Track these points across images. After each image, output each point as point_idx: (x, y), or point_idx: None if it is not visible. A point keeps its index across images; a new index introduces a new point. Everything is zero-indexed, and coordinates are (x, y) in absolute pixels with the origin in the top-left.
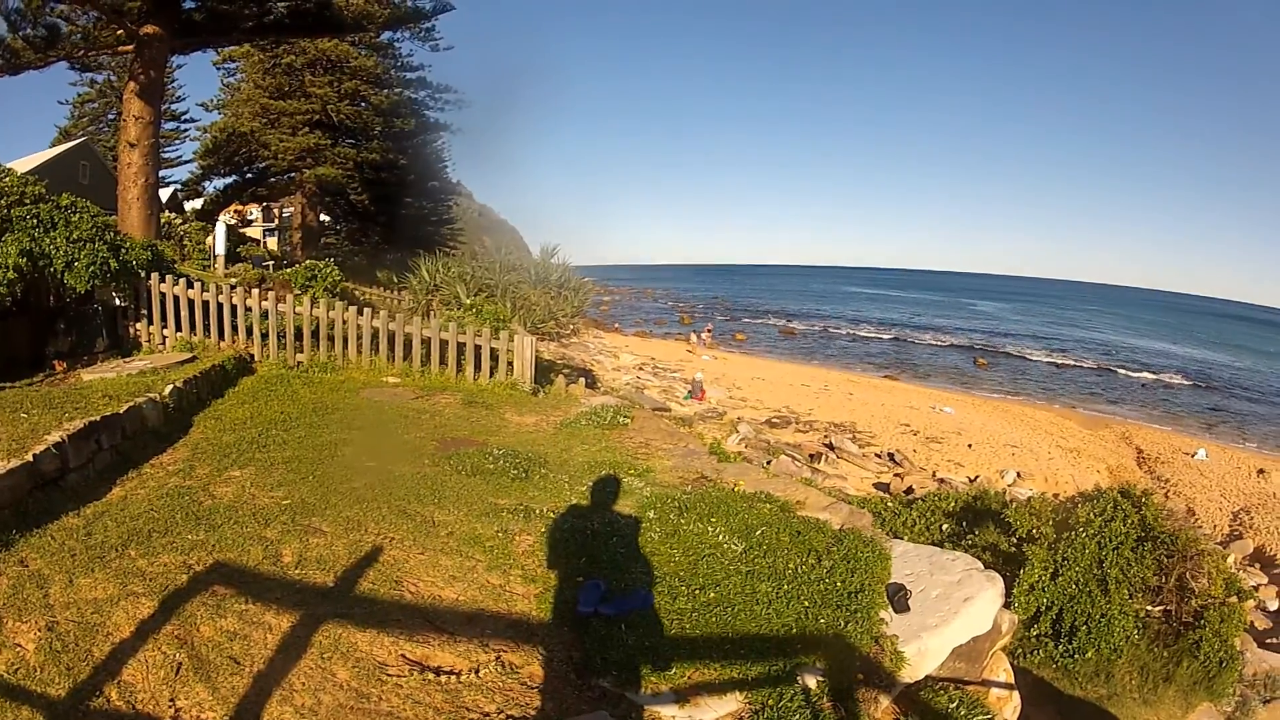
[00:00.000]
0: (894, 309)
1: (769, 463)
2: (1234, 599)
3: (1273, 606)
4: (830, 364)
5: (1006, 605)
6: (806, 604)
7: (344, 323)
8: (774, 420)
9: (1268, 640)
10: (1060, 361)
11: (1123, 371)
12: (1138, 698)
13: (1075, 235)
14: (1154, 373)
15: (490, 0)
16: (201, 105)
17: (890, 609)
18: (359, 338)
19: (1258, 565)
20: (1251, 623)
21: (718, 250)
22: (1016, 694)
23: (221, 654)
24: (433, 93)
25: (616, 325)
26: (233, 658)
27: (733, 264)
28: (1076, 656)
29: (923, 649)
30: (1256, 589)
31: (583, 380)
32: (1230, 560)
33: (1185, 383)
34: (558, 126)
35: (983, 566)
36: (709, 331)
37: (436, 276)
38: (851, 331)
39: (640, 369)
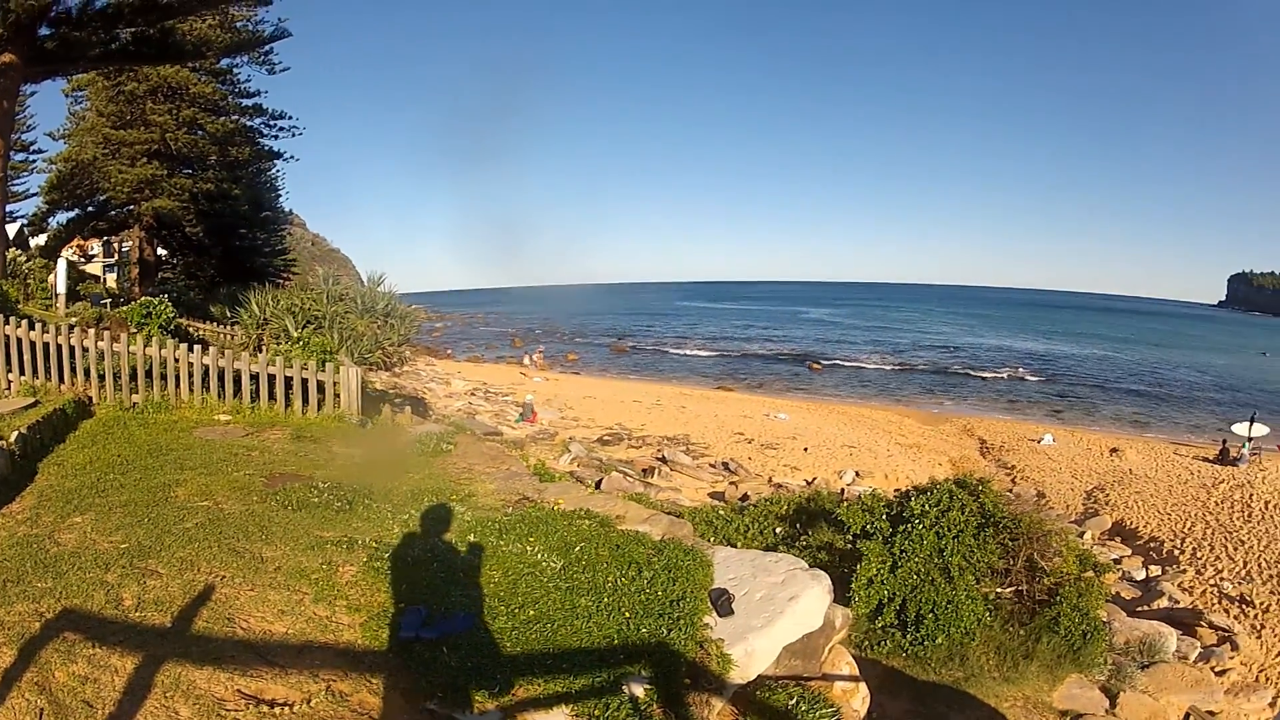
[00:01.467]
0: (727, 320)
1: (600, 481)
2: (1090, 573)
3: (1139, 576)
4: (663, 378)
5: (844, 601)
6: (628, 615)
7: (176, 361)
8: (606, 438)
9: (1138, 608)
10: (897, 361)
11: (962, 367)
12: (998, 676)
13: (905, 239)
14: (994, 366)
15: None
16: (49, 135)
17: (715, 614)
18: (190, 376)
19: (1118, 538)
20: (1118, 593)
21: (549, 272)
22: (864, 685)
23: (76, 698)
24: (268, 120)
25: (449, 351)
26: (86, 701)
27: (565, 284)
28: (927, 644)
29: (750, 650)
30: (1119, 561)
31: (409, 409)
32: (1088, 537)
33: (1027, 373)
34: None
35: (807, 566)
36: (540, 353)
37: (266, 310)
38: (684, 345)
39: (472, 394)
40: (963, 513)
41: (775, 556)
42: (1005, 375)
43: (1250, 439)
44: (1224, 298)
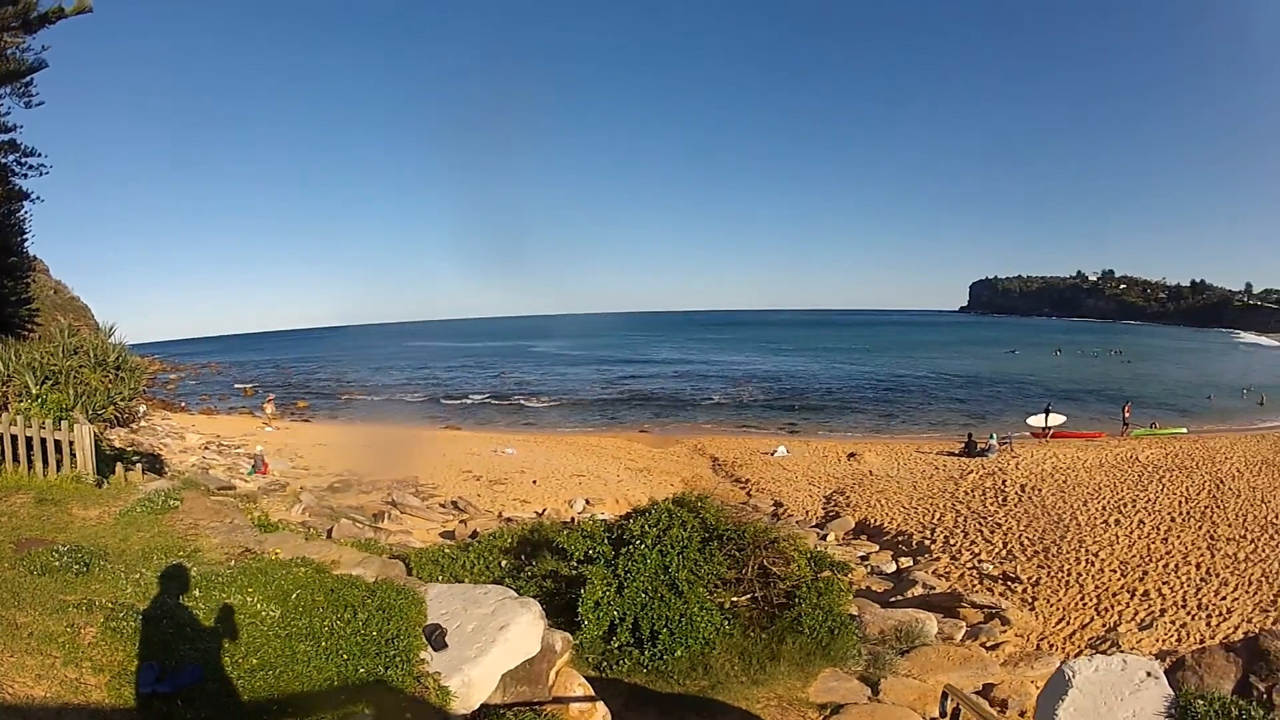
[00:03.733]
0: (455, 358)
1: (331, 529)
2: (828, 573)
3: (890, 569)
4: (392, 421)
5: (570, 625)
6: (346, 657)
7: None
8: (337, 485)
9: (892, 599)
10: (627, 388)
11: (692, 389)
12: (746, 680)
13: (631, 268)
14: (725, 386)
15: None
16: None
17: (430, 649)
18: None
19: (864, 536)
20: (868, 588)
21: (277, 316)
22: (602, 704)
23: None
24: (20, 156)
25: (184, 404)
26: None
27: (294, 329)
28: (666, 658)
29: (467, 680)
30: (866, 558)
31: (140, 466)
32: (831, 538)
33: (759, 390)
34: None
35: (516, 595)
36: (271, 402)
37: (10, 365)
38: (413, 385)
39: (206, 448)
40: (684, 529)
41: (485, 588)
42: (736, 394)
43: (1048, 428)
44: (966, 303)
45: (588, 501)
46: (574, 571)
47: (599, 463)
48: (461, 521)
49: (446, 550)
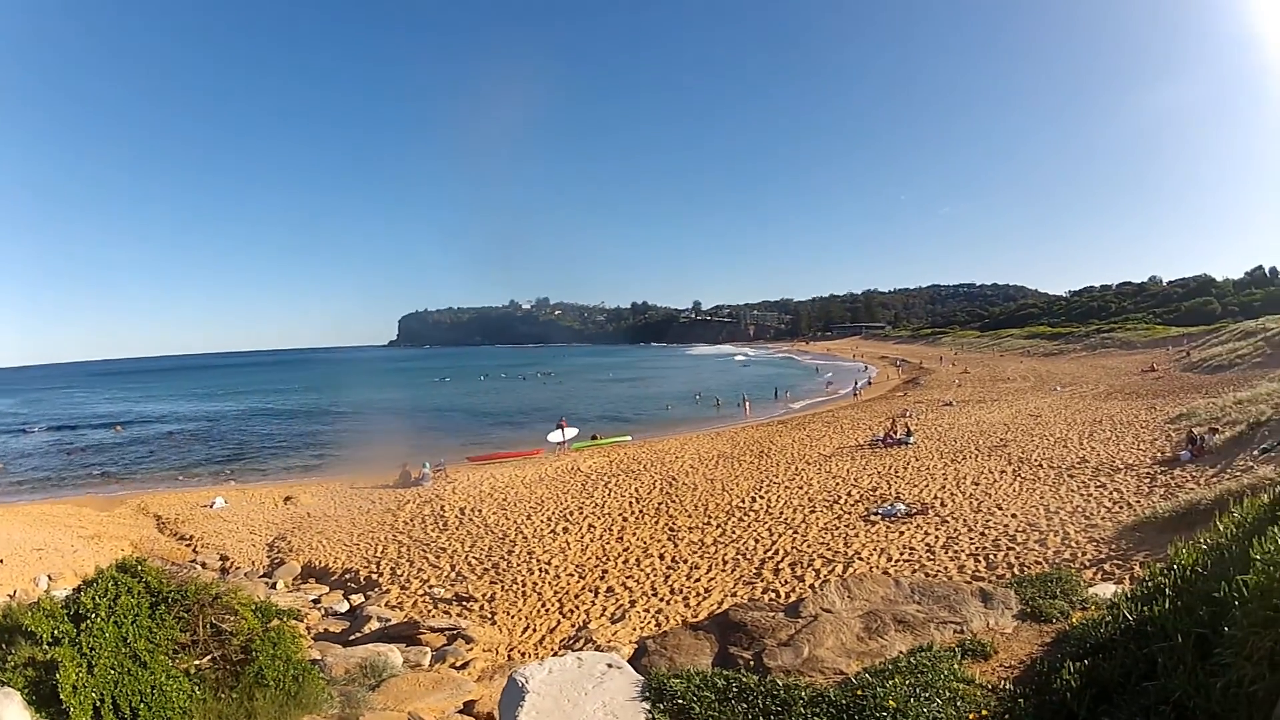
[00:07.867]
0: None
1: None
2: (276, 622)
3: (343, 608)
4: None
5: (58, 712)
6: None
7: None
8: None
9: (351, 637)
10: (72, 445)
11: (132, 440)
12: None
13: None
14: (159, 437)
15: None
16: None
17: None
18: None
19: (312, 579)
20: (327, 630)
21: None
22: None
23: None
24: None
25: None
26: None
27: None
28: None
29: None
30: (319, 600)
31: None
32: (281, 585)
33: (190, 437)
34: None
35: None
36: None
37: None
38: None
39: None
40: (133, 596)
41: None
42: (171, 444)
43: (564, 441)
44: (395, 337)
45: (50, 578)
46: (47, 655)
47: (54, 534)
48: None
49: None
